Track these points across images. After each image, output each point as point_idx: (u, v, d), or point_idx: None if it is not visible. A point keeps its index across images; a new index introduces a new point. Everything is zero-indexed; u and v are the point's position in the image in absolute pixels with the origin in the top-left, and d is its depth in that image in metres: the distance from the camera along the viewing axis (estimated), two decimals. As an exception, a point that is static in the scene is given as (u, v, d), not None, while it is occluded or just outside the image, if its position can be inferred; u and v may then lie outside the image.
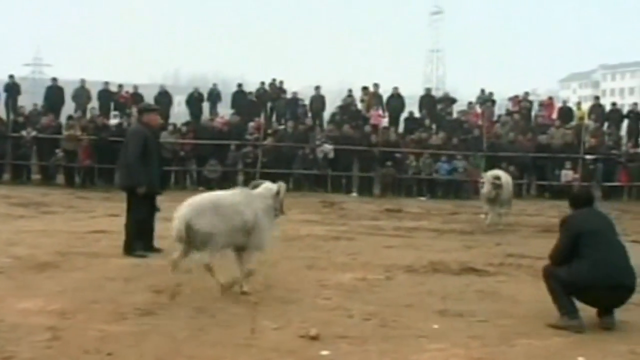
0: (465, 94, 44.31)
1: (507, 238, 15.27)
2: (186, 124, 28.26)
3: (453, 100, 32.54)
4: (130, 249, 11.55)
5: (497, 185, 16.48)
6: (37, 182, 25.78)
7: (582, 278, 7.59)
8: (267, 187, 9.63)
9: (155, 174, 12.12)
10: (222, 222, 8.79)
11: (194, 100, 31.27)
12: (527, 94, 33.46)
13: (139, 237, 11.74)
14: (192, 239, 8.74)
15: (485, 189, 16.64)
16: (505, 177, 17.18)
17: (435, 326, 7.71)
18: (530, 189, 28.07)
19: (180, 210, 8.78)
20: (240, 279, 9.06)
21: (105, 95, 30.29)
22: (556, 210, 18.92)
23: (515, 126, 29.24)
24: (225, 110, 32.34)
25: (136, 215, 11.74)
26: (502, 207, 17.02)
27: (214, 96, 31.75)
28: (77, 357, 6.43)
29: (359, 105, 30.93)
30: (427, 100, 32.10)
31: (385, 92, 31.40)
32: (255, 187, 9.72)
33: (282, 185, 9.66)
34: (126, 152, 11.77)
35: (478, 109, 31.66)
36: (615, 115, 31.07)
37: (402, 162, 27.05)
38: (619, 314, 7.89)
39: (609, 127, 30.07)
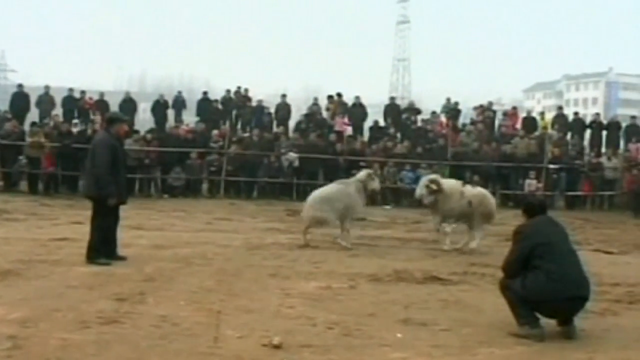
0: (430, 103, 44.54)
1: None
2: (151, 131, 28.13)
3: (418, 112, 32.66)
4: (93, 256, 11.47)
5: (431, 190, 14.84)
6: (-1, 188, 25.52)
7: (537, 292, 7.61)
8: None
9: (122, 183, 12.11)
10: None
11: (159, 108, 31.17)
12: (490, 103, 33.70)
13: (103, 245, 11.66)
14: None
15: (418, 191, 15.23)
16: (472, 192, 15.31)
17: (399, 335, 7.73)
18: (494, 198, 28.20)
19: None
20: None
21: (70, 101, 30.09)
22: (520, 220, 18.97)
23: (480, 136, 29.40)
24: (190, 118, 32.29)
25: (101, 223, 11.65)
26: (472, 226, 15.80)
27: (179, 103, 31.74)
28: (39, 366, 6.39)
29: (325, 114, 31.01)
30: (392, 109, 32.25)
31: (350, 101, 31.54)
32: None
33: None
34: (93, 160, 11.64)
35: (443, 118, 31.86)
36: (578, 125, 31.41)
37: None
38: (579, 322, 7.96)
39: (572, 137, 30.38)
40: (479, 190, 15.48)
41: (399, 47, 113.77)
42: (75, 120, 28.31)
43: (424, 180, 15.33)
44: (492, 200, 15.50)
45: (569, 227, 8.55)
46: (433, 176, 15.65)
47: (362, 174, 15.16)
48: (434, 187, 14.82)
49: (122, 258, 11.71)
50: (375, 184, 15.29)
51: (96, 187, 11.61)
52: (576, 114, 33.26)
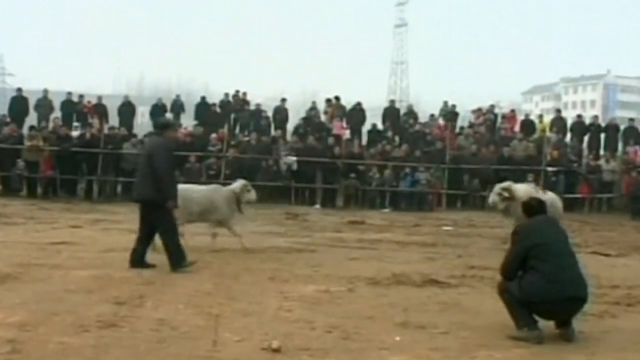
0: (428, 106, 44.56)
1: (469, 250, 15.37)
2: (149, 135, 28.13)
3: (416, 117, 32.66)
4: (177, 264, 11.36)
5: (504, 197, 15.43)
6: (-3, 192, 25.53)
7: (534, 293, 7.59)
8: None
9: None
10: None
11: (157, 111, 31.14)
12: (492, 106, 33.74)
13: (180, 247, 11.56)
14: None
15: (490, 198, 16.05)
16: (546, 197, 15.63)
17: (397, 338, 7.72)
18: (492, 200, 28.17)
19: None
20: None
21: (68, 105, 30.09)
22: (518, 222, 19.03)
23: (479, 139, 29.44)
24: (188, 122, 32.29)
25: (166, 228, 11.53)
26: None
27: (178, 107, 31.71)
28: (37, 370, 6.39)
29: (323, 118, 31.02)
30: (391, 113, 32.26)
31: (348, 104, 31.58)
32: None
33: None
34: (151, 164, 11.48)
35: (441, 121, 31.88)
36: (577, 128, 31.42)
37: (365, 174, 27.15)
38: (578, 324, 7.96)
39: (571, 139, 30.41)
40: (550, 195, 15.81)
41: (396, 50, 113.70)
42: (76, 124, 28.41)
43: (496, 188, 15.77)
44: (560, 204, 16.15)
45: (567, 229, 8.54)
46: (506, 184, 15.98)
47: (237, 184, 14.73)
48: (506, 194, 15.27)
49: (151, 265, 11.55)
50: (251, 196, 14.82)
51: (157, 191, 11.44)
52: (579, 116, 33.32)
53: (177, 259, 11.37)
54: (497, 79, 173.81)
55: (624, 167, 27.96)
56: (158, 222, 11.55)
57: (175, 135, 12.68)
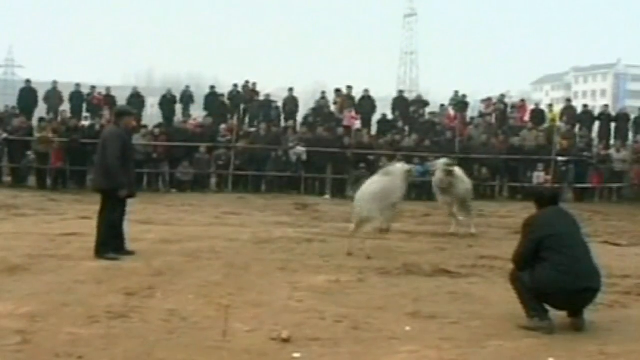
0: (438, 96, 44.47)
1: (479, 240, 15.33)
2: (159, 126, 28.16)
3: (426, 103, 32.67)
4: (102, 251, 11.48)
5: (449, 172, 16.01)
6: (8, 184, 25.57)
7: (546, 284, 7.58)
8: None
9: (132, 176, 12.19)
10: None
11: (166, 102, 31.15)
12: (502, 96, 33.64)
13: (111, 240, 11.68)
14: None
15: (437, 176, 16.26)
16: (461, 174, 16.64)
17: (408, 328, 7.72)
18: (502, 190, 28.16)
19: None
20: None
21: (78, 97, 30.09)
22: (528, 212, 18.91)
23: (488, 128, 29.35)
24: (198, 113, 32.26)
25: (109, 217, 11.68)
26: (461, 207, 16.59)
27: (187, 98, 31.68)
28: (47, 361, 6.40)
29: (332, 108, 30.95)
30: (400, 102, 32.20)
31: (358, 95, 31.48)
32: None
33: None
34: (103, 154, 11.68)
35: (451, 111, 31.79)
36: (587, 117, 31.33)
37: (375, 164, 27.05)
38: (589, 314, 7.93)
39: (580, 129, 30.30)
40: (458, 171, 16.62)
41: (406, 40, 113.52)
42: (86, 114, 28.46)
43: (442, 166, 16.39)
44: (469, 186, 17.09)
45: (578, 219, 8.49)
46: (448, 160, 16.76)
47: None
48: (450, 169, 16.20)
49: (131, 253, 11.73)
50: None
51: (106, 180, 11.63)
52: (585, 106, 33.12)
53: (103, 250, 11.54)
54: (507, 68, 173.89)
55: (634, 157, 27.86)
56: (108, 209, 11.73)
57: (131, 123, 12.76)
